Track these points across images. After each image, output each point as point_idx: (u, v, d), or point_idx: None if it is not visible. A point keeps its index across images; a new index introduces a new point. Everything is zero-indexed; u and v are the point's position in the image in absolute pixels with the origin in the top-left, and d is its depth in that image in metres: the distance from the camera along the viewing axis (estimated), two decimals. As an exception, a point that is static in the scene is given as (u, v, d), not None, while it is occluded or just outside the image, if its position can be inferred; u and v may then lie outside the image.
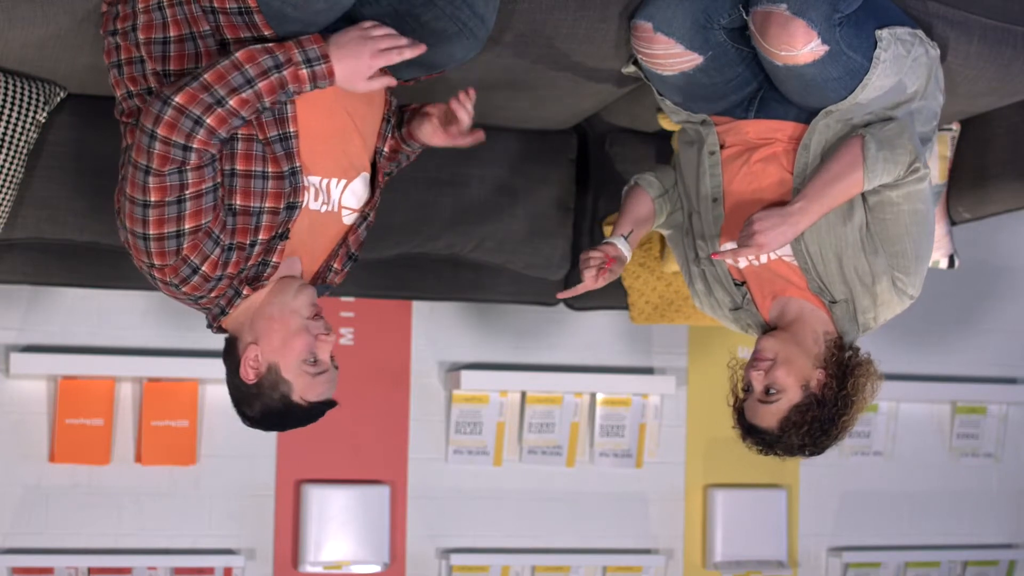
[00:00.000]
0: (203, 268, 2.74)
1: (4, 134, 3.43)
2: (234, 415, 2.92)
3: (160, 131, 2.62)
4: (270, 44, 2.69)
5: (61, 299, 4.56)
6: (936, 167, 3.96)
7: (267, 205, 2.76)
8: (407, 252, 4.20)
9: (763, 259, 3.13)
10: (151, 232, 2.69)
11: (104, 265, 4.03)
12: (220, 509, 4.72)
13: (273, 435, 4.72)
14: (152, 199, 2.66)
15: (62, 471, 4.57)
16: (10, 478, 4.54)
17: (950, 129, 3.95)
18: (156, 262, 2.73)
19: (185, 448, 4.62)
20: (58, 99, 3.55)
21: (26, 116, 3.45)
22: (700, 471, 5.16)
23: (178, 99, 2.63)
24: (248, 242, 2.77)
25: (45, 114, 3.50)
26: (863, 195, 3.03)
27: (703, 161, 3.18)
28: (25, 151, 3.52)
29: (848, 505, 5.32)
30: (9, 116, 3.41)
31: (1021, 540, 5.52)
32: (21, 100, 3.42)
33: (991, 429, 5.42)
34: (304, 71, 2.69)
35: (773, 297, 3.15)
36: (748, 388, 3.09)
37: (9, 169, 3.50)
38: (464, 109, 2.96)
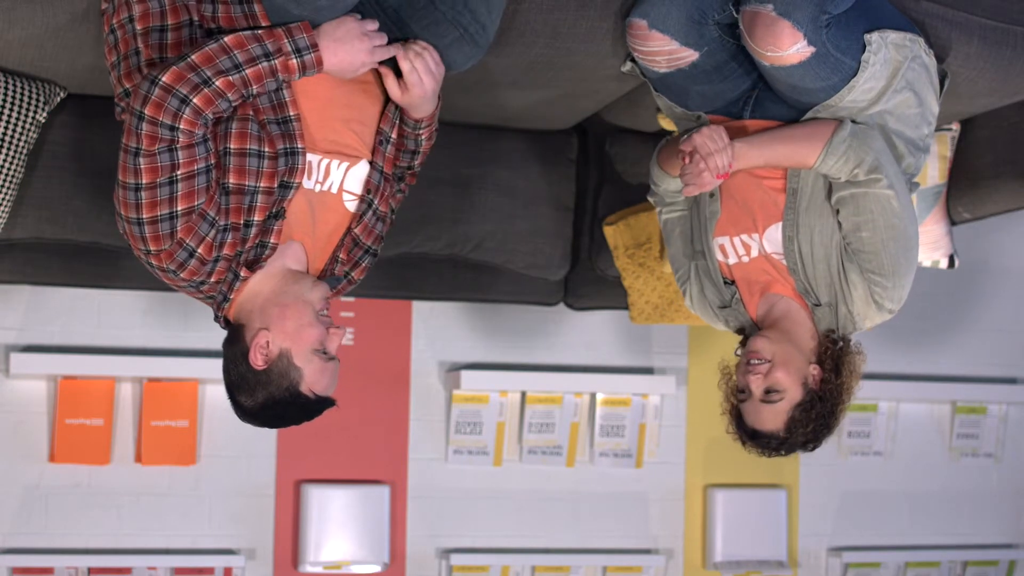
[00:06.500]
0: (199, 251, 2.73)
1: (4, 134, 3.43)
2: (235, 415, 2.91)
3: (147, 111, 2.62)
4: (260, 31, 2.70)
5: (61, 299, 4.56)
6: (936, 167, 3.96)
7: (262, 184, 2.75)
8: (407, 252, 4.20)
9: (753, 254, 3.13)
10: (144, 216, 2.68)
11: (104, 265, 4.04)
12: (220, 509, 4.71)
13: (273, 435, 4.72)
14: (143, 181, 2.65)
15: (62, 471, 4.56)
16: (10, 478, 4.54)
17: (950, 129, 3.95)
18: (152, 247, 2.72)
19: (185, 448, 4.61)
20: (58, 99, 3.55)
21: (26, 116, 3.45)
22: (700, 471, 5.16)
23: (164, 78, 2.63)
24: (243, 222, 2.76)
25: (45, 114, 3.50)
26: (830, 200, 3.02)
27: None
28: (25, 151, 3.52)
29: (848, 505, 5.32)
30: (9, 116, 3.41)
31: (1021, 540, 5.51)
32: (21, 100, 3.42)
33: (991, 429, 5.42)
34: (294, 61, 2.71)
35: (761, 294, 3.14)
36: (744, 391, 3.07)
37: (9, 169, 3.50)
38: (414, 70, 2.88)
